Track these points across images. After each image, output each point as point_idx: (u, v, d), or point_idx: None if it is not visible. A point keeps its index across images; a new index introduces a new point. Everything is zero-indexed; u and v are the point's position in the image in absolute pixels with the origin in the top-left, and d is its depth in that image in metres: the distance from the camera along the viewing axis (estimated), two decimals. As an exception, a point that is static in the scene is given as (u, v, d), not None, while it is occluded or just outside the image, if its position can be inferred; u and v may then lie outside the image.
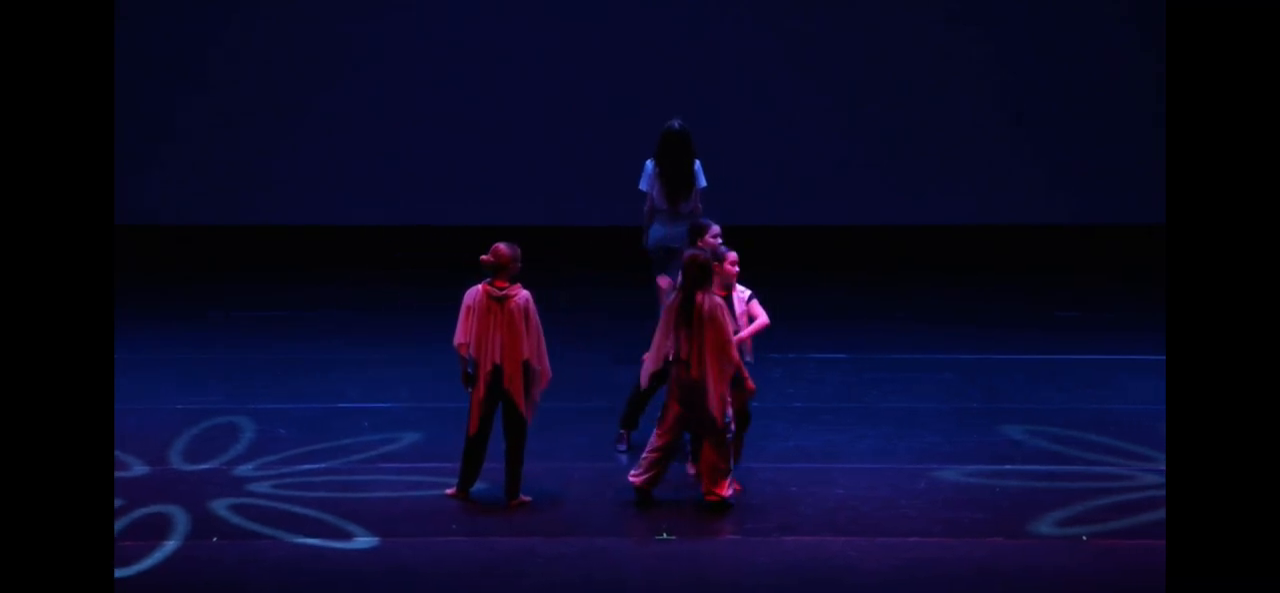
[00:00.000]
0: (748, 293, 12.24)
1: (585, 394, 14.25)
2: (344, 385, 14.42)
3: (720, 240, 12.39)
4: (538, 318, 11.70)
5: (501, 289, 11.61)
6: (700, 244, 12.20)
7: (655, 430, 11.81)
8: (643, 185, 14.87)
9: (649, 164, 14.82)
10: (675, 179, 14.68)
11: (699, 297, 11.59)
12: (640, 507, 11.76)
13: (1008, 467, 12.36)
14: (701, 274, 11.64)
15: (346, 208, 20.05)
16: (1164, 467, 12.14)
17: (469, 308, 11.66)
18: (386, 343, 15.96)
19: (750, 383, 11.92)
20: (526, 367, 11.68)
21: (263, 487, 12.15)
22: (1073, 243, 19.69)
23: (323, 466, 12.56)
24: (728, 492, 11.70)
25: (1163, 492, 11.78)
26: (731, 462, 11.78)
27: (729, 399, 11.69)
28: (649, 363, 11.91)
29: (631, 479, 11.88)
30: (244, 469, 12.49)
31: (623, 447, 12.93)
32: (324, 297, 17.54)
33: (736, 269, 12.14)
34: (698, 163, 14.78)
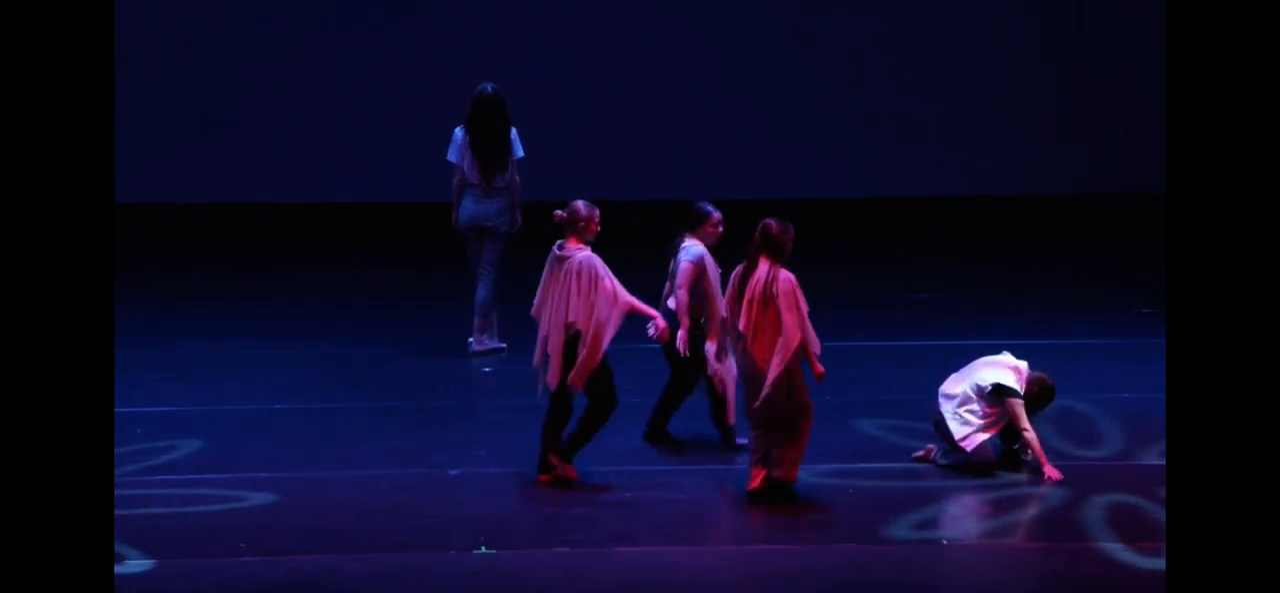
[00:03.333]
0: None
1: (387, 393, 14.25)
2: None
3: (721, 231, 12.34)
4: (600, 281, 11.56)
5: (566, 250, 11.69)
6: (703, 230, 12.10)
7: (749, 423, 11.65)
8: (451, 156, 14.86)
9: (458, 132, 14.81)
10: (489, 149, 14.65)
11: (764, 266, 11.35)
12: (759, 501, 11.54)
13: (863, 466, 12.20)
14: (770, 245, 11.38)
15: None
16: (1028, 462, 12.31)
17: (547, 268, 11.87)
18: (167, 337, 15.75)
19: (818, 369, 11.58)
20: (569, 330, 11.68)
21: (16, 505, 11.64)
22: (954, 214, 20.07)
23: (88, 479, 12.07)
24: (793, 473, 11.54)
25: (1026, 490, 11.88)
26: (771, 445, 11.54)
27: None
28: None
29: (751, 489, 11.57)
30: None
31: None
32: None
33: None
34: (514, 131, 14.70)
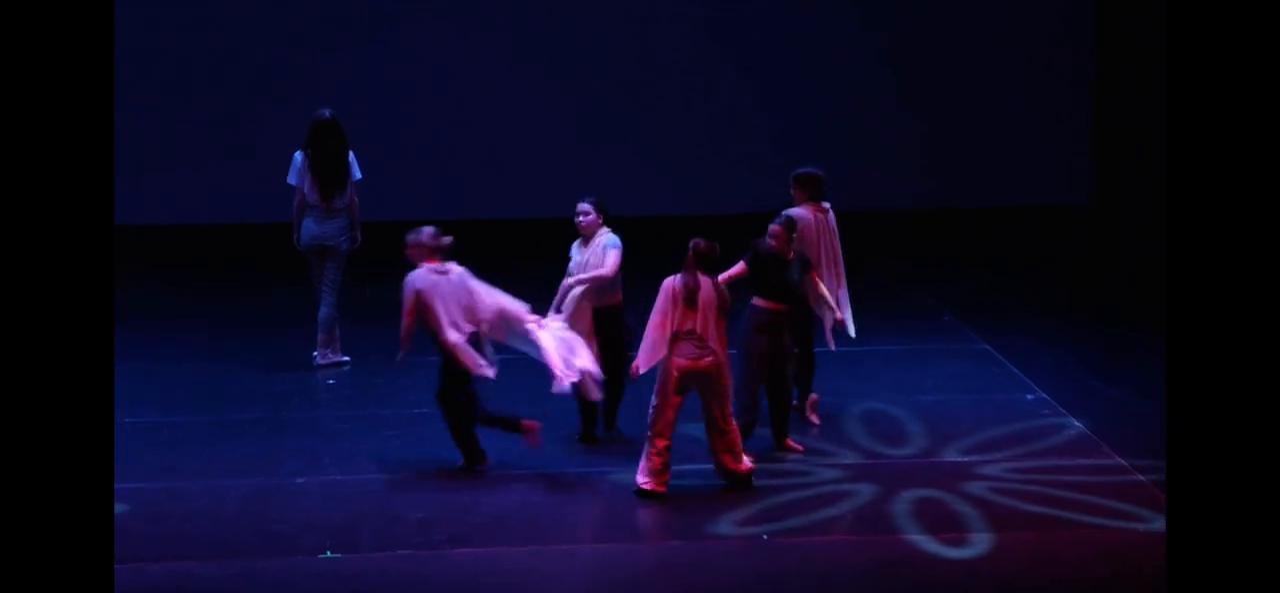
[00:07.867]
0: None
1: (235, 406, 14.17)
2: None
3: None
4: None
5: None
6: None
7: (654, 432, 11.92)
8: (291, 179, 14.77)
9: (298, 156, 14.71)
10: (328, 172, 14.65)
11: (706, 279, 11.92)
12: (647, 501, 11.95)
13: (688, 467, 12.23)
14: (704, 261, 11.97)
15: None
16: (841, 461, 12.58)
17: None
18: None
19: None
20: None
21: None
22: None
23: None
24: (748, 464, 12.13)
25: (839, 487, 12.11)
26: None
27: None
28: (644, 358, 12.02)
29: (642, 484, 11.92)
30: None
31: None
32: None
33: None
34: (351, 153, 14.74)
